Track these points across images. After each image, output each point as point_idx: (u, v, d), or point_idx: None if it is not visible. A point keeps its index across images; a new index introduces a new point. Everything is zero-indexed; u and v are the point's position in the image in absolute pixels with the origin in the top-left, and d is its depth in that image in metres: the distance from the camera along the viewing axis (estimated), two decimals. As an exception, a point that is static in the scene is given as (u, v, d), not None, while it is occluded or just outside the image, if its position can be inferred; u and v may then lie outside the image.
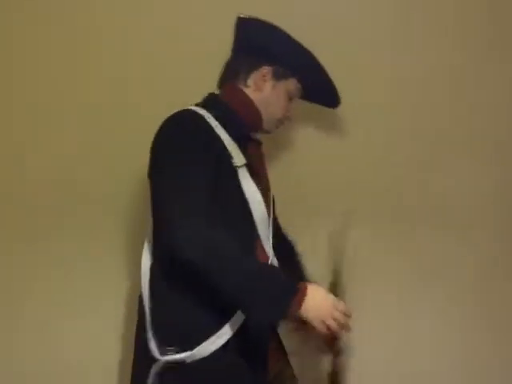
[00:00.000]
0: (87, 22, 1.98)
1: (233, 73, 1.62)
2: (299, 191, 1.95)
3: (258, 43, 1.60)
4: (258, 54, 1.59)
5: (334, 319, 1.31)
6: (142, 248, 1.48)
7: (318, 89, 1.71)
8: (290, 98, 1.66)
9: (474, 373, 1.94)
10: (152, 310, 1.47)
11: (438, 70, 1.96)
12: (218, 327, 1.41)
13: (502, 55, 1.96)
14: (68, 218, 1.99)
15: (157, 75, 1.96)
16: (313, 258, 1.83)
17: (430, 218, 1.97)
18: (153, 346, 1.43)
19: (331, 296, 1.34)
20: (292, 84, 1.64)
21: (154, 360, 1.42)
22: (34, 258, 1.98)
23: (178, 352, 1.40)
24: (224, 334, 1.41)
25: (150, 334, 1.45)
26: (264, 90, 1.60)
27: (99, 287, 1.97)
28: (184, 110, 1.50)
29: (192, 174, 1.37)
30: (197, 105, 1.56)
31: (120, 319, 1.94)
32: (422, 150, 1.97)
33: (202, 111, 1.50)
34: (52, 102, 1.99)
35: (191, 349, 1.39)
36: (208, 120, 1.48)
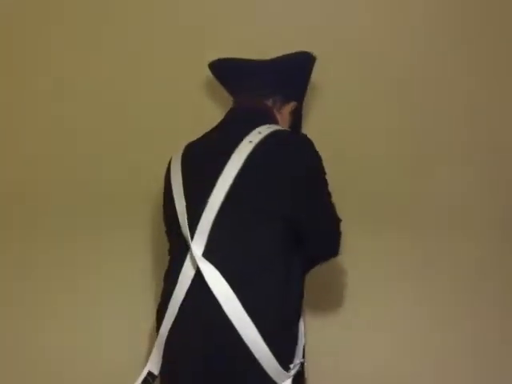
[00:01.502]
0: (88, 21, 1.98)
1: (271, 94, 1.70)
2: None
3: (302, 81, 1.79)
4: (298, 90, 1.78)
5: None
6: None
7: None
8: None
9: (473, 373, 1.94)
10: (267, 332, 1.38)
11: (438, 71, 1.95)
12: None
13: (502, 55, 1.96)
14: (68, 218, 1.99)
15: (163, 76, 1.96)
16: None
17: (429, 219, 1.97)
18: (274, 372, 1.39)
19: None
20: None
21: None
22: (34, 258, 1.97)
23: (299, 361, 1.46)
24: None
25: (271, 358, 1.38)
26: (285, 120, 1.74)
27: (99, 287, 1.96)
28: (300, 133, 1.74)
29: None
30: (270, 122, 1.61)
31: (120, 320, 1.92)
32: (421, 150, 1.97)
33: None
34: (60, 102, 1.99)
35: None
36: None
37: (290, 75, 1.73)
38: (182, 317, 1.42)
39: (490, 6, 1.94)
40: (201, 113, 1.78)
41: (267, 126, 1.55)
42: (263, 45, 1.82)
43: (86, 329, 1.95)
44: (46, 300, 1.97)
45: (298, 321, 1.50)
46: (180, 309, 1.42)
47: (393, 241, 1.94)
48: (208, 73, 1.86)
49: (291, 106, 1.74)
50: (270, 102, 1.69)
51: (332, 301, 1.93)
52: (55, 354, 1.95)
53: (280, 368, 1.38)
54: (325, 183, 1.56)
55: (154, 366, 1.47)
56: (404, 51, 1.95)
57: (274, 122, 1.64)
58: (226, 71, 1.81)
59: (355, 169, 1.97)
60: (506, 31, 1.95)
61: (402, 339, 1.93)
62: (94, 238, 1.97)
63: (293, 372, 1.42)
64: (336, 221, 1.57)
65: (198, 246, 1.42)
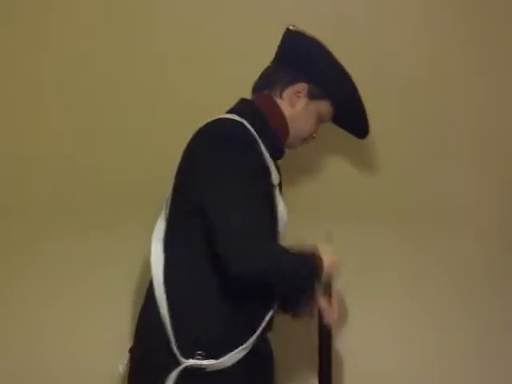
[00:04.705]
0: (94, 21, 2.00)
1: (270, 82, 1.60)
2: (294, 192, 1.94)
3: (301, 59, 1.60)
4: (299, 70, 1.59)
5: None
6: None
7: (350, 116, 1.70)
8: (320, 120, 1.65)
9: (474, 373, 1.95)
10: (176, 313, 1.42)
11: (438, 70, 1.96)
12: (242, 340, 1.43)
13: (503, 55, 1.97)
14: (68, 218, 2.00)
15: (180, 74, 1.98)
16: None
17: (429, 219, 1.98)
18: (175, 348, 1.40)
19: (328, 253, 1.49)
20: (324, 106, 1.63)
21: (173, 364, 1.40)
22: (34, 258, 1.99)
23: (204, 357, 1.39)
24: (245, 349, 1.43)
25: (171, 337, 1.40)
26: (296, 107, 1.59)
27: (98, 287, 1.98)
28: (231, 120, 1.48)
29: (254, 193, 1.38)
30: (233, 112, 1.53)
31: (119, 320, 1.93)
32: (422, 150, 1.98)
33: (247, 124, 1.47)
34: (60, 102, 2.01)
35: (216, 358, 1.40)
36: (254, 134, 1.47)
37: (281, 57, 1.63)
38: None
39: (492, 6, 1.95)
40: (207, 113, 1.77)
41: (218, 116, 1.50)
42: (266, 44, 1.83)
43: (86, 328, 1.97)
44: (45, 300, 1.98)
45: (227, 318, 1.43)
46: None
47: (393, 241, 1.95)
48: (217, 70, 1.89)
49: (296, 87, 1.58)
50: (267, 91, 1.60)
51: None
52: (55, 354, 1.97)
53: (177, 353, 1.39)
54: (228, 180, 1.37)
55: None
56: (405, 51, 1.96)
57: (264, 111, 1.55)
58: None
59: (355, 169, 1.98)
60: (507, 31, 1.96)
61: (400, 339, 1.95)
62: (95, 238, 1.99)
63: (191, 362, 1.38)
64: (241, 230, 1.33)
65: (161, 230, 1.52)
